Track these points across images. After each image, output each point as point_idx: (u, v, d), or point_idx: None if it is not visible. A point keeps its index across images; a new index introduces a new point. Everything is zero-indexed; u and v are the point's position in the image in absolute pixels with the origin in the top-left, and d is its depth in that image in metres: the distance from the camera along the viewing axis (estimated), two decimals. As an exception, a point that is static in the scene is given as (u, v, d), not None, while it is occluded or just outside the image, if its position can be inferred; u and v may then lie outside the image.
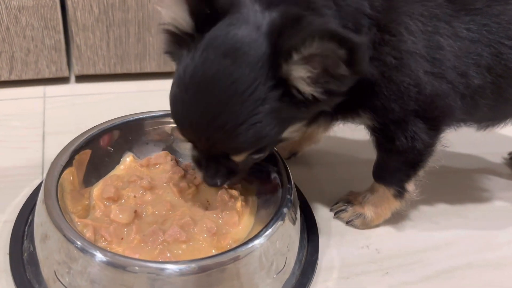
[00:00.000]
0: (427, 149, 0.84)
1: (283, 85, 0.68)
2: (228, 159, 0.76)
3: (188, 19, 0.70)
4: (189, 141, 0.77)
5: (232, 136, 0.70)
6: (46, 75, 1.27)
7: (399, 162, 0.87)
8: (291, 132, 0.75)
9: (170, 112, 0.93)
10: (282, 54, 0.65)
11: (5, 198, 0.95)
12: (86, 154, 0.89)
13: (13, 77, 1.26)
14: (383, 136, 0.84)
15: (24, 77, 1.26)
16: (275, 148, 0.90)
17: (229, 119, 0.69)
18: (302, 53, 0.64)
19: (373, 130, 0.84)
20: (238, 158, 0.76)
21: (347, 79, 0.67)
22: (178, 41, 0.73)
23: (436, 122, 0.83)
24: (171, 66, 0.69)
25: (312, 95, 0.69)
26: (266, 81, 0.67)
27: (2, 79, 1.25)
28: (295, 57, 0.64)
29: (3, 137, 1.11)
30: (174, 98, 0.73)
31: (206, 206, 0.86)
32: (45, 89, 1.27)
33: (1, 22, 1.18)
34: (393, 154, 0.86)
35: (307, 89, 0.68)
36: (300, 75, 0.66)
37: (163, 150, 0.97)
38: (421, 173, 0.89)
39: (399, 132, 0.82)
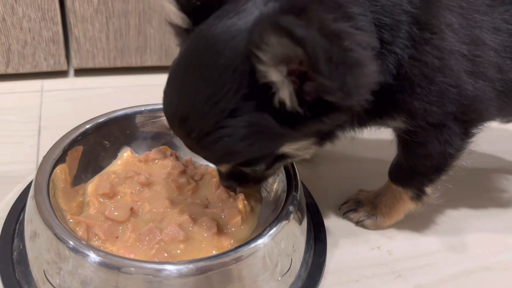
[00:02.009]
0: (457, 153, 0.79)
1: (263, 93, 0.58)
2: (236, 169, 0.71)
3: (181, 13, 0.64)
4: None
5: (200, 145, 0.63)
6: (44, 68, 1.23)
7: (425, 166, 0.82)
8: (295, 149, 0.68)
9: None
10: (251, 54, 0.55)
11: (-3, 194, 0.91)
12: (78, 150, 0.85)
13: (10, 71, 1.22)
14: (414, 140, 0.77)
15: (21, 70, 1.22)
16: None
17: (195, 127, 0.62)
18: (268, 51, 0.53)
19: (404, 133, 0.77)
20: (221, 168, 0.70)
21: (334, 89, 0.54)
22: (179, 34, 0.69)
23: (471, 125, 0.78)
24: (173, 60, 0.66)
25: (295, 108, 0.58)
26: (239, 88, 0.58)
27: (-1, 72, 1.22)
28: (263, 56, 0.54)
29: (-2, 131, 1.08)
30: (163, 90, 0.67)
31: (206, 204, 0.81)
32: (43, 83, 1.23)
33: (-3, 12, 1.14)
34: (420, 157, 0.80)
35: (286, 99, 0.57)
36: (275, 79, 0.56)
37: (163, 144, 0.93)
38: (444, 177, 0.84)
39: (433, 136, 0.76)
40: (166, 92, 0.66)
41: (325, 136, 0.70)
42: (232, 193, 0.82)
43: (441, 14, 0.69)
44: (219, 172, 0.77)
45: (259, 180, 0.78)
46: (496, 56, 0.73)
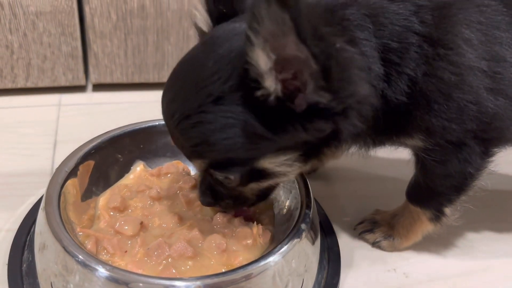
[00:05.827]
0: (477, 173, 0.77)
1: (250, 90, 0.58)
2: (212, 176, 0.71)
3: (206, 16, 0.70)
4: None
5: (179, 129, 0.64)
6: (63, 83, 1.25)
7: (444, 186, 0.80)
8: (276, 165, 0.66)
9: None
10: (246, 39, 0.54)
11: (10, 206, 0.91)
12: (90, 164, 0.85)
13: (29, 85, 1.24)
14: (433, 158, 0.75)
15: (40, 84, 1.24)
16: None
17: (178, 108, 0.64)
18: (260, 32, 0.52)
19: (422, 152, 0.75)
20: (196, 164, 0.70)
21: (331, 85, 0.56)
22: (201, 38, 0.73)
23: (491, 144, 0.76)
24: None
25: (280, 98, 0.58)
26: (228, 78, 0.60)
27: (19, 86, 1.23)
28: (254, 39, 0.53)
29: (14, 143, 1.09)
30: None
31: (216, 222, 0.80)
32: (61, 97, 1.25)
33: (19, 27, 1.16)
34: (439, 177, 0.78)
35: (271, 84, 0.57)
36: (263, 62, 0.55)
37: (176, 159, 0.92)
38: (464, 197, 0.81)
39: (452, 155, 0.74)
40: (167, 83, 0.69)
41: (310, 153, 0.67)
42: (231, 219, 0.79)
43: (458, 29, 0.68)
44: (199, 186, 0.76)
45: (236, 199, 0.75)
46: None
